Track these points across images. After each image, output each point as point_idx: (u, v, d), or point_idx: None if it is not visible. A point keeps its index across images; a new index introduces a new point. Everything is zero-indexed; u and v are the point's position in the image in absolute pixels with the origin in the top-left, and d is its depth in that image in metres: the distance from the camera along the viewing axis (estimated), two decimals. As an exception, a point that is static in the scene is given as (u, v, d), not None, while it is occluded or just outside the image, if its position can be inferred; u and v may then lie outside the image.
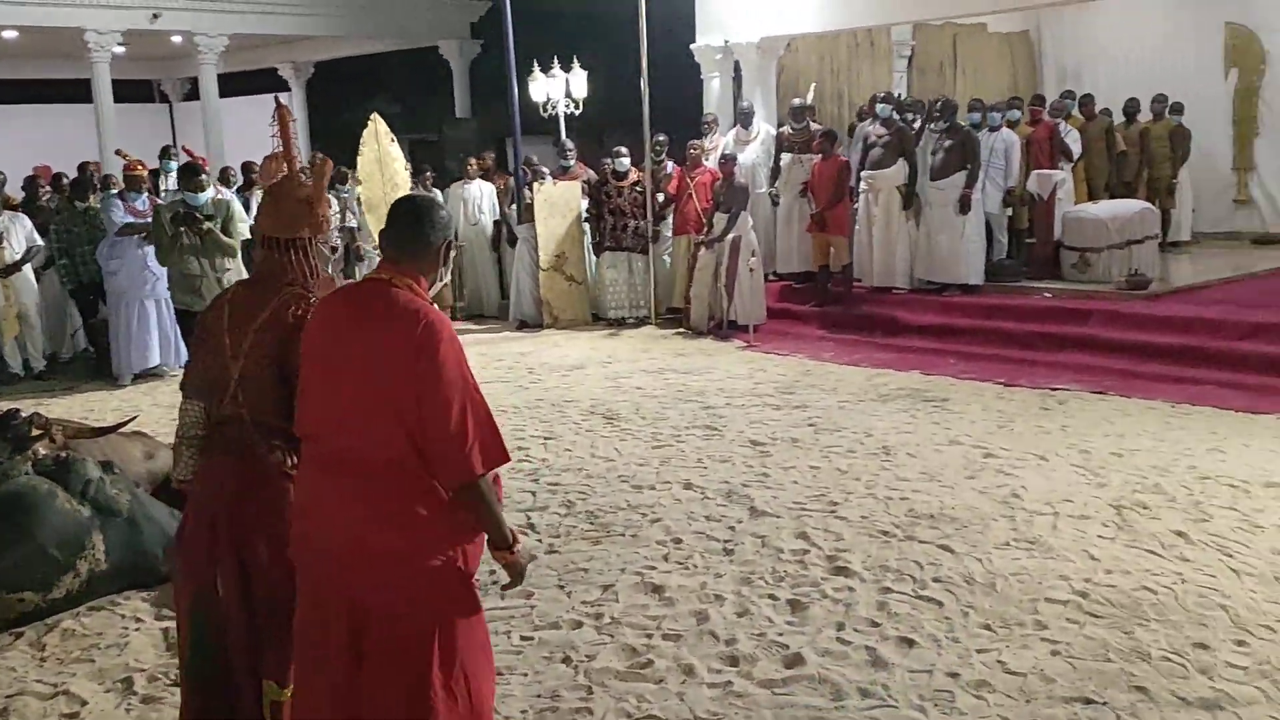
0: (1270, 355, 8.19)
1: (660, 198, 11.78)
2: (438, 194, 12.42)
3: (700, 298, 11.14)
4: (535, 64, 12.63)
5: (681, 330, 11.36)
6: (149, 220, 9.41)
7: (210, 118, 16.98)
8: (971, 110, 11.29)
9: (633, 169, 11.81)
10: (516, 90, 12.52)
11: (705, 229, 11.07)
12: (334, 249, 3.60)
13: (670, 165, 11.94)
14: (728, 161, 11.15)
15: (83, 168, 11.87)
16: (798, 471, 6.49)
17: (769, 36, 12.68)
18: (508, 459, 2.83)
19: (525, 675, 4.09)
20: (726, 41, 12.93)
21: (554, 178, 12.11)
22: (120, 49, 15.82)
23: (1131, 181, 12.55)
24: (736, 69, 13.21)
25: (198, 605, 3.26)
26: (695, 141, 11.80)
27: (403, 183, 10.97)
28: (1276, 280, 10.70)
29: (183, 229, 8.82)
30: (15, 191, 11.15)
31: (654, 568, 5.10)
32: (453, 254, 3.02)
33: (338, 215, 10.81)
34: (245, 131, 15.80)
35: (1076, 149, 11.78)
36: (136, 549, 4.99)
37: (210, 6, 16.25)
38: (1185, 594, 4.56)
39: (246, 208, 10.61)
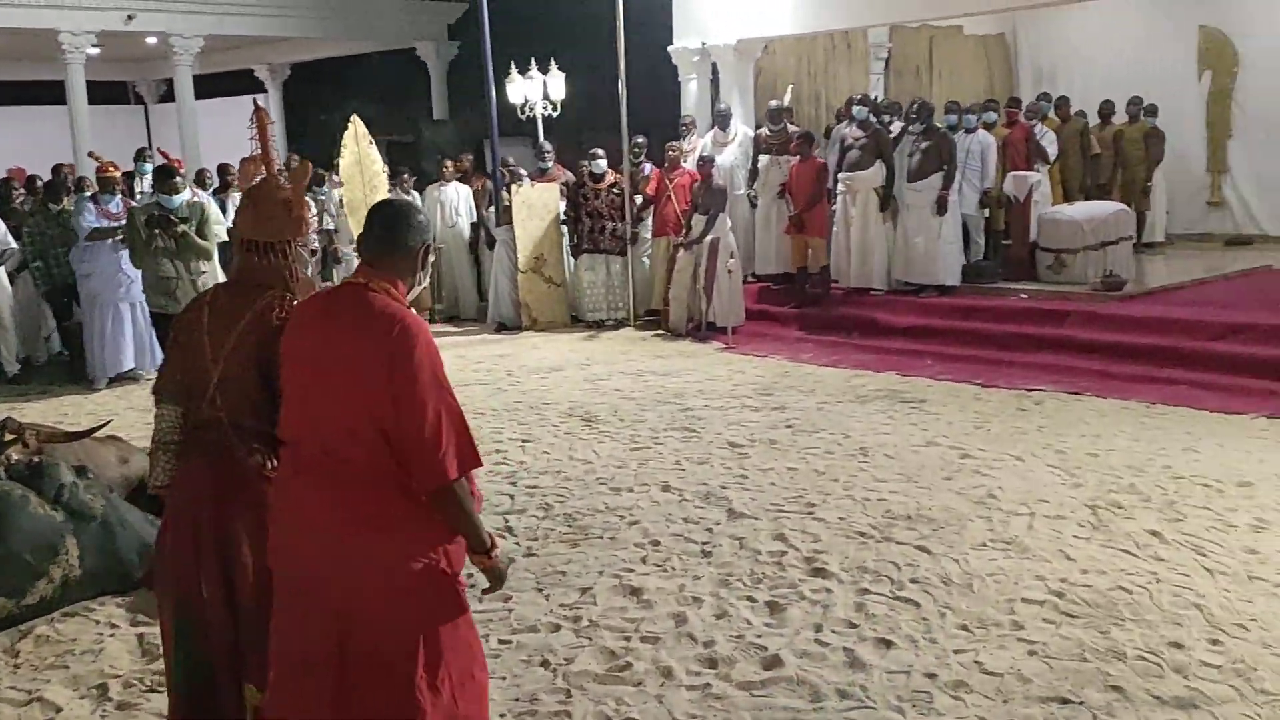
0: (1243, 356, 8.26)
1: (638, 199, 11.79)
2: (416, 196, 12.39)
3: (679, 299, 11.15)
4: (513, 66, 12.61)
5: (660, 332, 11.37)
6: (120, 224, 9.35)
7: (186, 119, 16.88)
8: (948, 112, 11.35)
9: (609, 171, 11.82)
10: (494, 92, 12.51)
11: (684, 231, 11.08)
12: (313, 252, 3.59)
13: (648, 167, 11.94)
14: (706, 163, 11.17)
15: (56, 170, 11.79)
16: (776, 473, 6.50)
17: (746, 38, 12.70)
18: (480, 464, 2.83)
19: (504, 679, 4.08)
20: (704, 43, 12.94)
21: (532, 180, 12.10)
22: (94, 50, 15.72)
23: (1106, 183, 12.66)
24: (714, 71, 13.24)
25: (182, 612, 3.24)
26: (674, 143, 11.81)
27: (381, 185, 10.94)
28: (1249, 281, 10.80)
29: (157, 232, 8.77)
30: (-11, 194, 11.07)
31: (632, 570, 5.10)
32: (431, 257, 3.02)
33: (315, 218, 10.79)
34: (221, 133, 15.75)
35: (1052, 151, 11.86)
36: (111, 554, 4.95)
37: (185, 8, 16.16)
38: (1160, 593, 4.59)
39: (223, 210, 10.56)
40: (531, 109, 12.62)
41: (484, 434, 7.47)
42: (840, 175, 11.02)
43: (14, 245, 10.05)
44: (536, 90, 12.54)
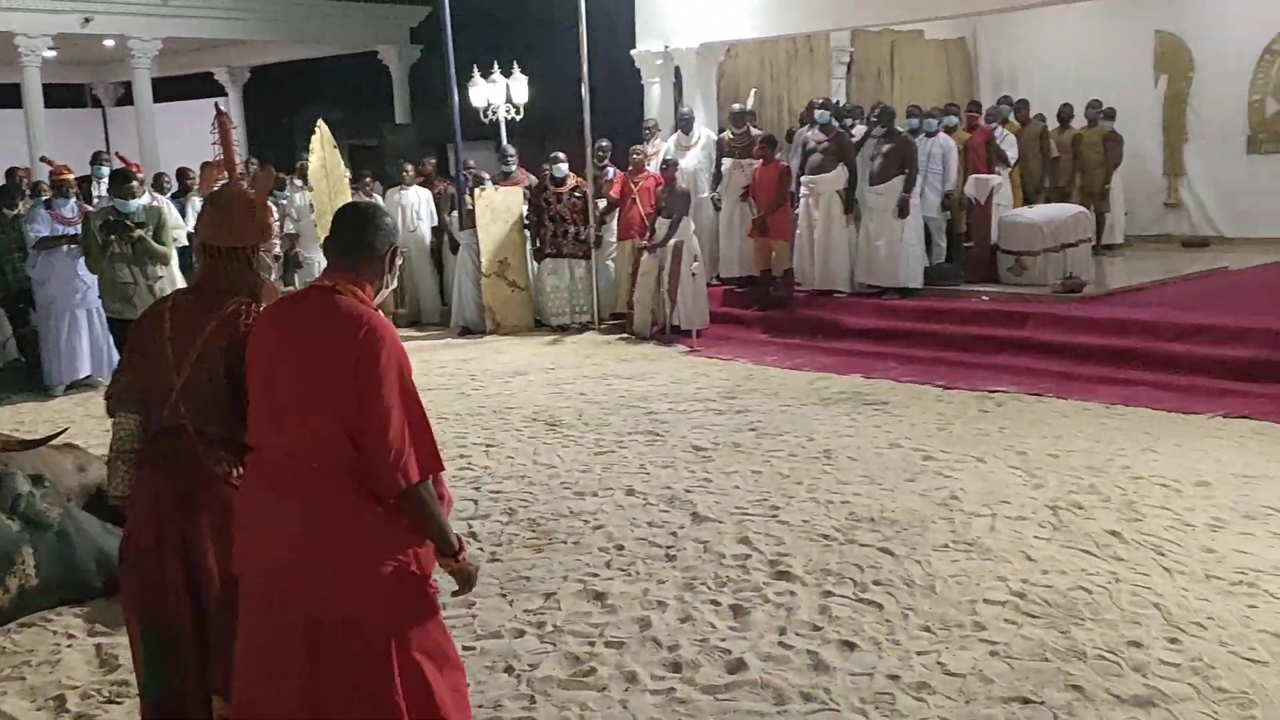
0: (1200, 356, 8.36)
1: (601, 203, 11.78)
2: (379, 199, 12.33)
3: (643, 303, 11.16)
4: (475, 69, 12.57)
5: (624, 336, 11.37)
6: (70, 231, 9.24)
7: (144, 123, 16.70)
8: (909, 116, 11.43)
9: (571, 175, 11.80)
10: (457, 96, 12.46)
11: (648, 234, 11.09)
12: (276, 257, 3.56)
13: (612, 171, 11.94)
14: (669, 167, 11.18)
15: (11, 174, 11.63)
16: (740, 476, 6.51)
17: (709, 42, 12.73)
18: (442, 468, 2.83)
19: (467, 686, 4.05)
20: (667, 47, 12.96)
21: (495, 183, 12.06)
22: (51, 53, 15.52)
23: (1065, 186, 12.79)
24: (677, 74, 13.26)
25: (149, 623, 3.21)
26: (638, 147, 11.82)
27: (344, 190, 10.89)
28: (1206, 282, 10.94)
29: (113, 237, 8.67)
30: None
31: (596, 575, 5.09)
32: (398, 260, 3.01)
33: (277, 222, 10.72)
34: (180, 137, 15.57)
35: (1013, 154, 11.97)
36: (68, 564, 4.89)
37: (143, 10, 15.99)
38: (1119, 593, 4.63)
39: (183, 214, 10.45)
40: (494, 112, 12.59)
41: (447, 439, 7.44)
42: (803, 179, 11.07)
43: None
44: (499, 94, 12.51)
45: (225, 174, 3.64)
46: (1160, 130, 14.16)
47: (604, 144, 12.01)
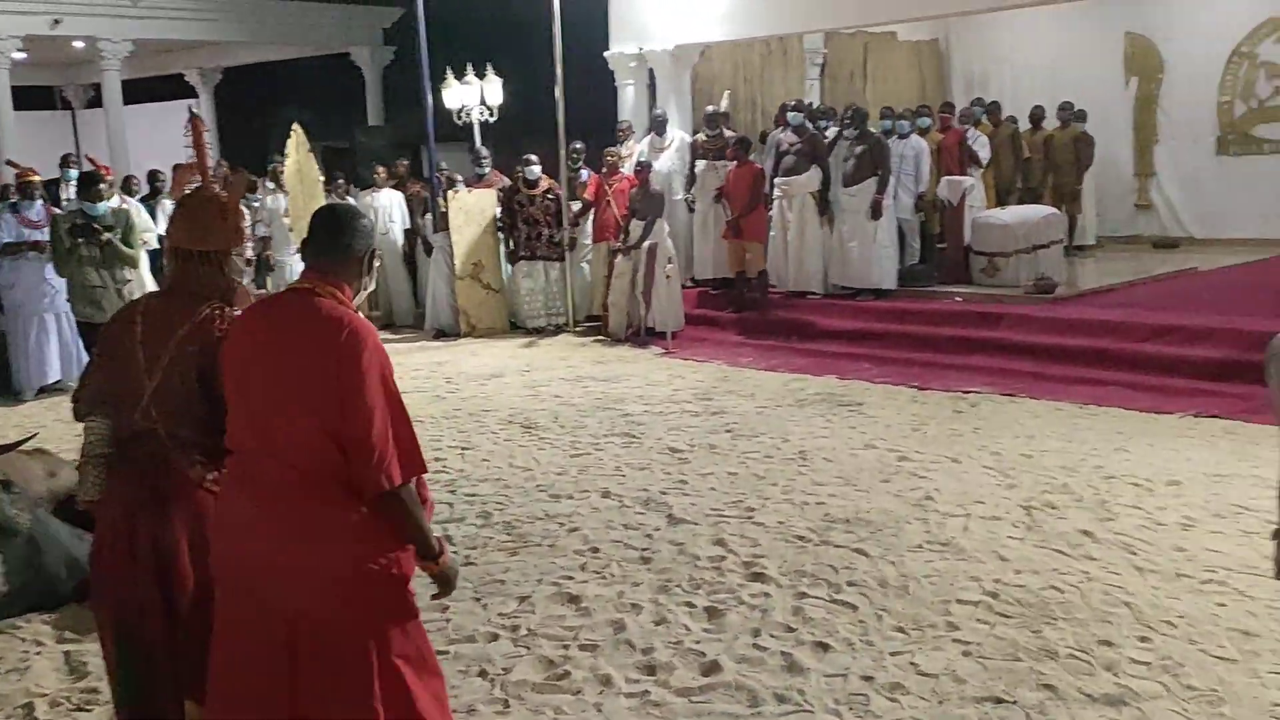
0: (1172, 356, 8.43)
1: (575, 205, 11.77)
2: (352, 202, 12.28)
3: (618, 305, 11.15)
4: (449, 71, 12.53)
5: (600, 338, 11.36)
6: (35, 236, 9.16)
7: (114, 125, 16.56)
8: (883, 118, 11.47)
9: (544, 177, 11.78)
10: (430, 97, 12.42)
11: (622, 236, 11.08)
12: (249, 261, 3.54)
13: (586, 173, 11.93)
14: (643, 169, 11.19)
15: (-21, 177, 11.52)
16: (715, 478, 6.51)
17: (683, 44, 12.74)
18: (424, 470, 2.84)
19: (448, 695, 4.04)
20: (641, 49, 12.97)
21: (469, 186, 12.03)
22: (20, 55, 15.37)
23: (1037, 187, 12.87)
24: (651, 76, 13.26)
25: (122, 630, 3.19)
26: (612, 149, 11.81)
27: (319, 193, 10.86)
28: (1176, 283, 11.03)
29: (81, 240, 8.59)
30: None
31: (571, 578, 5.08)
32: (376, 263, 3.01)
33: (250, 226, 10.68)
34: (151, 139, 15.49)
35: (985, 155, 12.03)
36: (38, 570, 4.84)
37: (113, 11, 15.85)
38: (1091, 592, 4.66)
39: (153, 216, 10.38)
40: (468, 114, 12.55)
41: (423, 441, 7.29)
42: (776, 180, 11.09)
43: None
44: (473, 96, 12.47)
45: (197, 177, 3.61)
46: (1131, 131, 14.29)
47: (578, 146, 12.00)
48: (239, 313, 3.17)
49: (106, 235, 8.62)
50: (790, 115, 11.15)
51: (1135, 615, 4.42)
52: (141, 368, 3.18)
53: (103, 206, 8.74)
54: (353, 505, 2.73)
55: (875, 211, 10.56)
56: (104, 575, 3.22)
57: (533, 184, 11.71)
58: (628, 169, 11.58)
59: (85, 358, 8.93)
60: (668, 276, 10.88)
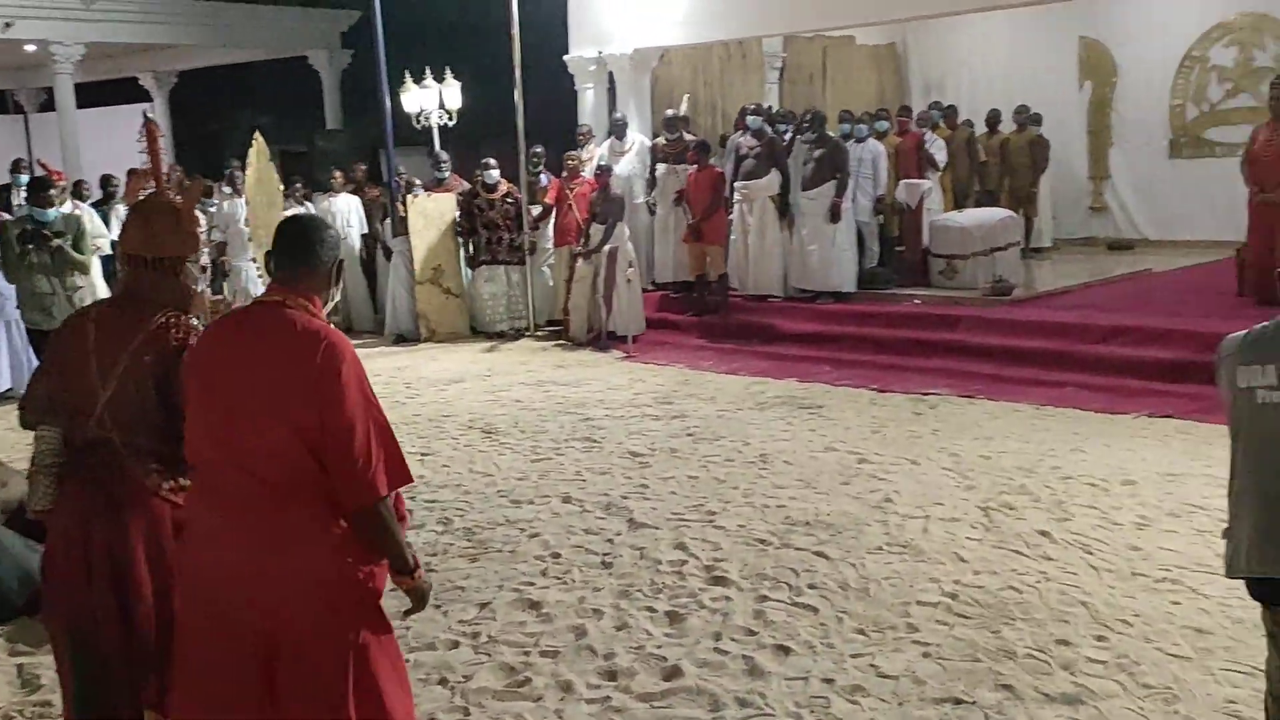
0: (1126, 358, 8.52)
1: (535, 210, 11.74)
2: (310, 207, 12.19)
3: (579, 309, 11.13)
4: (407, 74, 12.47)
5: (561, 342, 11.34)
6: None
7: (67, 129, 16.30)
8: (841, 121, 11.53)
9: (502, 181, 11.75)
10: (389, 101, 12.35)
11: (583, 240, 11.07)
12: (203, 267, 3.50)
13: (546, 177, 11.91)
14: (603, 173, 11.18)
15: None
16: (676, 482, 6.51)
17: (642, 48, 12.74)
18: (410, 479, 2.82)
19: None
20: (600, 53, 12.94)
21: (428, 190, 11.97)
22: (-30, 58, 15.14)
23: (994, 190, 12.99)
24: (611, 80, 13.25)
25: (77, 640, 3.14)
26: (572, 153, 11.80)
27: (279, 200, 10.77)
28: (1131, 284, 11.15)
29: (30, 246, 8.46)
30: None
31: (532, 584, 5.07)
32: (343, 273, 2.98)
33: (206, 231, 10.60)
34: (105, 143, 15.28)
35: (942, 158, 12.12)
36: (-12, 582, 4.76)
37: (66, 14, 15.62)
38: (1048, 592, 4.70)
39: (106, 222, 10.24)
40: (427, 118, 12.49)
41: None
42: (736, 184, 11.12)
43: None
44: (432, 99, 12.42)
45: (152, 182, 3.57)
46: (1085, 135, 14.45)
47: (538, 150, 11.98)
48: (204, 324, 3.15)
49: (57, 241, 8.50)
50: (749, 119, 11.19)
51: (1092, 614, 4.46)
52: (95, 376, 3.14)
53: (53, 212, 8.62)
54: (332, 516, 2.71)
55: (834, 215, 10.61)
56: (57, 584, 3.17)
57: (492, 188, 11.68)
58: (588, 173, 11.56)
59: (36, 365, 8.80)
60: (628, 280, 10.88)
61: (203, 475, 2.83)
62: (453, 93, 12.39)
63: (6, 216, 9.42)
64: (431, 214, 11.75)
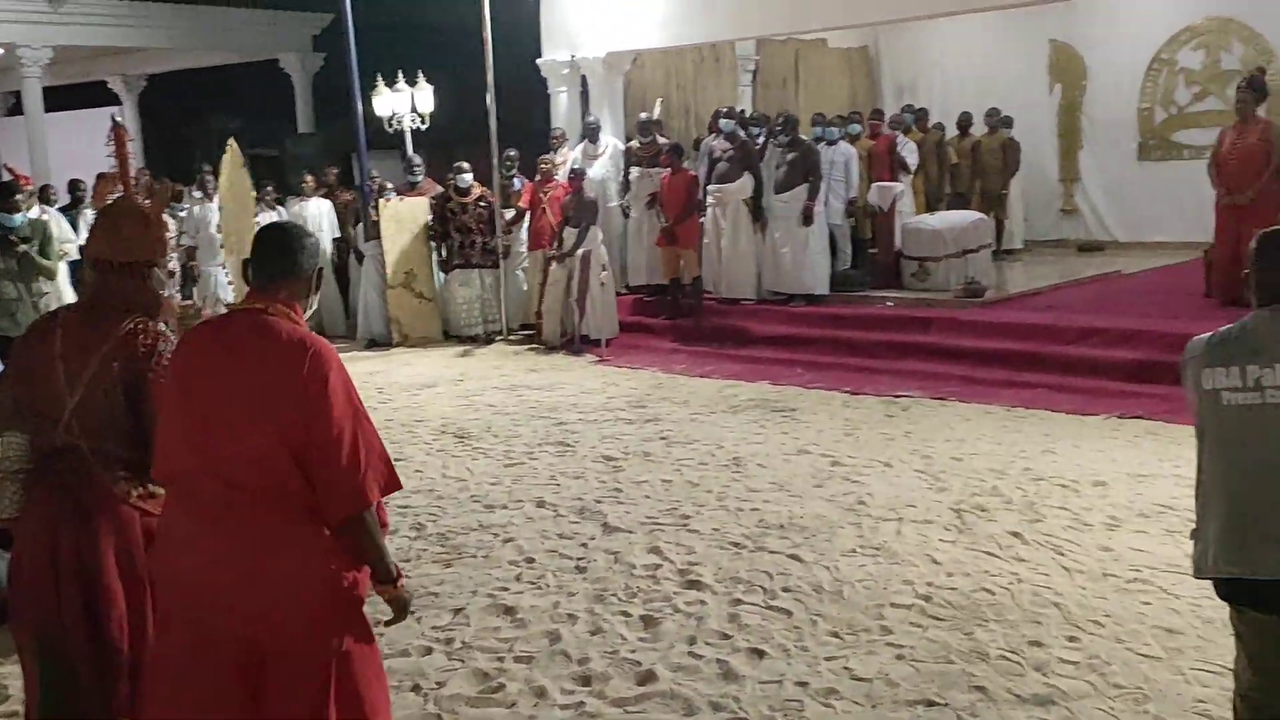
0: (1097, 359, 8.58)
1: (509, 213, 11.72)
2: (282, 212, 12.13)
3: (552, 312, 11.11)
4: (379, 78, 12.42)
5: (534, 346, 11.31)
6: None
7: (35, 133, 16.14)
8: (814, 124, 11.57)
9: (475, 184, 11.72)
10: (361, 105, 12.30)
11: (556, 244, 11.05)
12: (171, 273, 3.48)
13: (519, 181, 11.89)
14: (576, 176, 11.17)
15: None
16: (650, 485, 6.51)
17: (615, 51, 12.74)
18: (400, 486, 2.83)
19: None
20: (573, 56, 12.94)
21: (400, 194, 11.93)
22: (-64, 62, 14.98)
23: (965, 193, 13.06)
24: (584, 83, 13.24)
25: (45, 645, 3.11)
26: (546, 156, 11.78)
27: (252, 209, 10.72)
28: (1102, 286, 11.24)
29: (-5, 253, 8.37)
30: None
31: (506, 589, 5.05)
32: (321, 281, 2.97)
33: (175, 236, 10.54)
34: (73, 147, 15.11)
35: (913, 161, 12.19)
36: (-47, 592, 4.70)
37: (33, 17, 15.48)
38: (1021, 593, 4.73)
39: (74, 226, 10.15)
40: (399, 122, 12.45)
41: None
42: (709, 188, 11.13)
43: None
44: (404, 103, 12.37)
45: (120, 187, 3.54)
46: (1055, 138, 14.55)
47: (512, 153, 11.96)
48: (172, 329, 3.13)
49: (23, 247, 8.40)
50: (722, 122, 11.21)
51: (1064, 615, 4.49)
52: (62, 382, 3.12)
53: (20, 218, 8.52)
54: (310, 526, 2.69)
55: (807, 218, 10.64)
56: (24, 591, 3.15)
57: (465, 192, 11.65)
58: (562, 176, 11.55)
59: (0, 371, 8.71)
60: (602, 284, 10.87)
61: (179, 484, 2.81)
62: (425, 96, 12.36)
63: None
64: (404, 218, 11.71)
